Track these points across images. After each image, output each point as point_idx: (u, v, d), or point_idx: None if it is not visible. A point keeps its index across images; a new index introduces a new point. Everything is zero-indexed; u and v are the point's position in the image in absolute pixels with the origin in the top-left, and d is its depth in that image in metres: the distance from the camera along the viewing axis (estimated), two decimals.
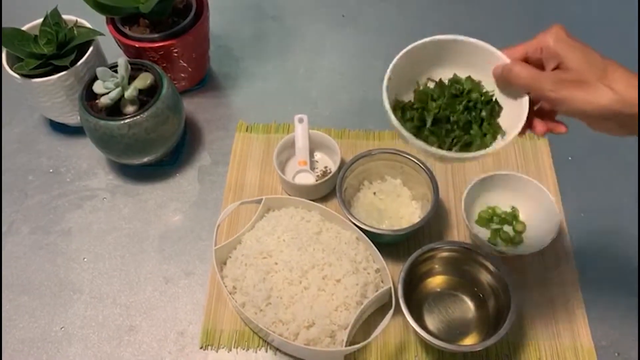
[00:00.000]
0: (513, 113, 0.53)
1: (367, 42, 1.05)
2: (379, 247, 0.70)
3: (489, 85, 0.55)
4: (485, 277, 0.70)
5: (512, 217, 0.78)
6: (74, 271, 0.78)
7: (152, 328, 0.72)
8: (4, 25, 0.81)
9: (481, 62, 0.55)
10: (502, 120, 0.55)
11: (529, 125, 0.53)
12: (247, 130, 0.91)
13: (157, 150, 0.82)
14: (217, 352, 0.70)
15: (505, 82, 0.52)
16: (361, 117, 0.92)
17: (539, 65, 0.50)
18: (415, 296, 0.71)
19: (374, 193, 0.80)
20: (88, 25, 0.85)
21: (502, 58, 0.53)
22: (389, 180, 0.81)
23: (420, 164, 0.76)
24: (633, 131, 0.49)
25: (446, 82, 0.57)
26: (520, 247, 0.75)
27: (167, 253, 0.79)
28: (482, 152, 0.52)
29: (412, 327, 0.64)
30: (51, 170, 0.88)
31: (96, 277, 0.77)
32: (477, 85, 0.56)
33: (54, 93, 0.82)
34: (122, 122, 0.76)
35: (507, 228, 0.77)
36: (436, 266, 0.73)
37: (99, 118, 0.77)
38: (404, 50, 0.54)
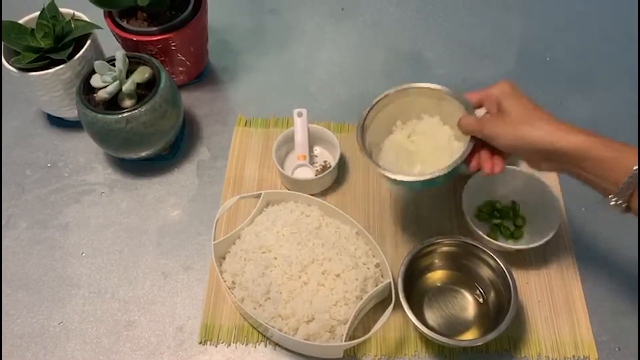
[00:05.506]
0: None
1: (366, 36, 1.04)
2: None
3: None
4: (485, 272, 0.70)
5: (512, 212, 0.77)
6: (72, 266, 0.77)
7: (151, 323, 0.72)
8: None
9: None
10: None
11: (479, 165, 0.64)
12: (246, 125, 0.90)
13: (155, 144, 0.82)
14: (216, 347, 0.70)
15: (461, 130, 0.65)
16: (361, 110, 0.91)
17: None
18: (415, 291, 0.70)
19: (408, 135, 0.71)
20: (85, 18, 0.85)
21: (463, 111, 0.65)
22: (426, 118, 0.71)
23: (461, 102, 0.65)
24: (561, 168, 0.58)
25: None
26: (521, 242, 0.75)
27: (166, 248, 0.79)
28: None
29: (412, 322, 0.63)
30: (49, 165, 0.88)
31: (94, 271, 0.77)
32: None
33: (51, 87, 0.82)
34: (119, 116, 0.75)
35: (507, 222, 0.77)
36: (436, 261, 0.72)
37: (96, 112, 0.76)
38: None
